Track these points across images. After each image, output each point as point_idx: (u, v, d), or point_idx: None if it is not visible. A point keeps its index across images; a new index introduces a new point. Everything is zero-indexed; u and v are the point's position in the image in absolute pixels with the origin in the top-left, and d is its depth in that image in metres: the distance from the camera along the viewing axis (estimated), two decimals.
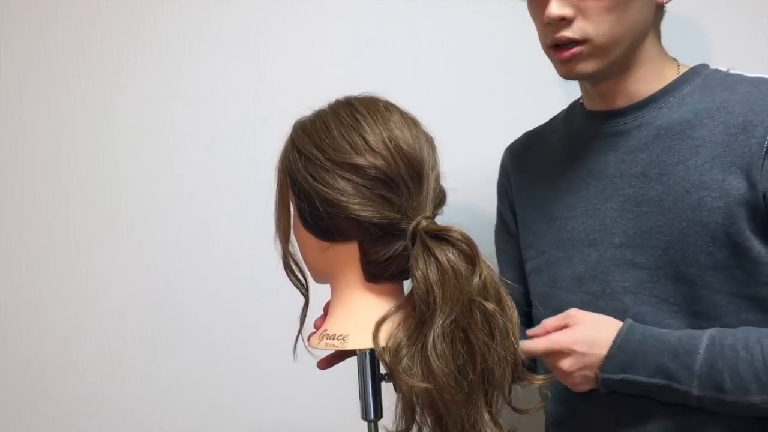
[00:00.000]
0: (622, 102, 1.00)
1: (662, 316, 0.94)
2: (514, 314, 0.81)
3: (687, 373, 0.88)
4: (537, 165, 1.12)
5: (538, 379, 0.86)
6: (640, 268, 0.96)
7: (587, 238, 1.01)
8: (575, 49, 0.93)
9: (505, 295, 0.81)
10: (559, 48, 0.94)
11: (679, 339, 0.90)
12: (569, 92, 1.11)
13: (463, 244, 0.79)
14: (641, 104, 0.99)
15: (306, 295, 0.92)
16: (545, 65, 0.98)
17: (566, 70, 0.95)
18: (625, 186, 0.98)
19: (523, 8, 1.00)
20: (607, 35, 0.92)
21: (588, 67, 0.94)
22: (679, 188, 0.93)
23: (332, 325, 0.86)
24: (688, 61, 1.02)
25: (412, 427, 0.78)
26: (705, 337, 0.88)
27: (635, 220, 0.96)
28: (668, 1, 0.97)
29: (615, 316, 0.95)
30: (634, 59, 0.97)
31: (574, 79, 0.98)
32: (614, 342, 0.92)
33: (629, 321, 0.93)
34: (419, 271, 0.78)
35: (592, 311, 0.96)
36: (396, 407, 0.79)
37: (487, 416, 0.80)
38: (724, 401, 0.86)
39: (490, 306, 0.79)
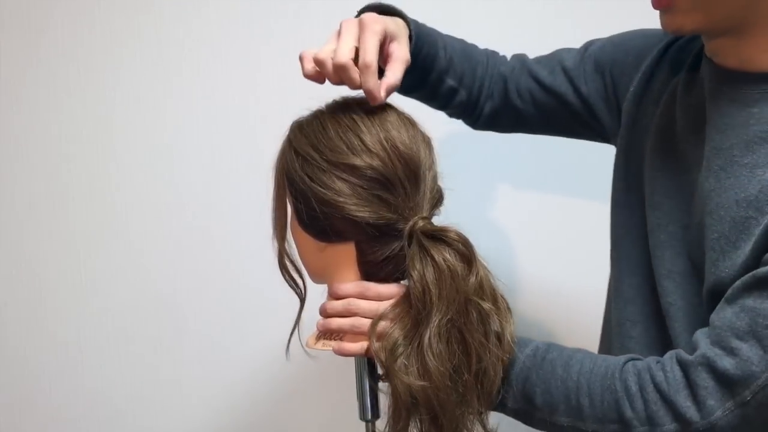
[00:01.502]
0: (732, 64, 0.80)
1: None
2: (510, 315, 0.81)
3: (504, 381, 0.81)
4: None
5: None
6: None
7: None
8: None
9: (501, 295, 0.81)
10: None
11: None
12: None
13: (460, 245, 0.79)
14: (750, 78, 0.78)
15: (302, 296, 0.92)
16: None
17: (664, 22, 0.80)
18: (692, 162, 0.84)
19: (524, 6, 0.98)
20: None
21: (687, 22, 0.78)
22: (731, 194, 0.77)
23: None
24: None
25: (406, 428, 0.78)
26: (531, 346, 0.82)
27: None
28: None
29: None
30: (754, 20, 0.76)
31: (673, 33, 0.84)
32: None
33: None
34: (416, 271, 0.78)
35: None
36: (389, 409, 0.79)
37: (479, 416, 0.80)
38: (534, 416, 0.81)
39: (487, 305, 0.79)
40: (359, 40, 0.81)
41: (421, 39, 0.92)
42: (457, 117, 1.07)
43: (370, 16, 0.82)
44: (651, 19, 0.82)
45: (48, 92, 1.41)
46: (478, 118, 1.05)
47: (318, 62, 0.81)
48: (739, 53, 0.79)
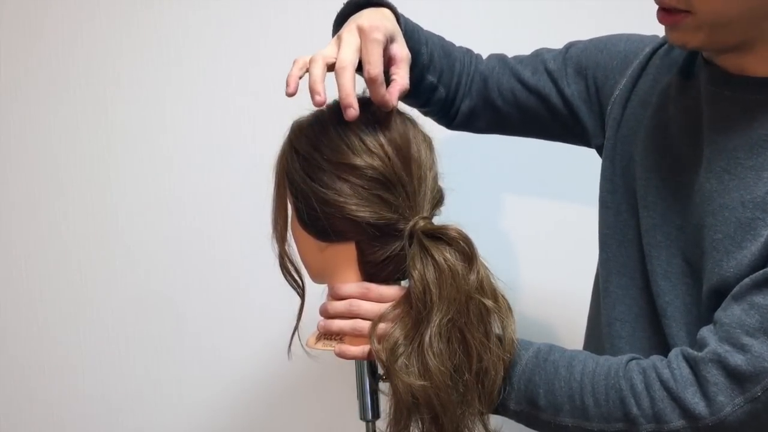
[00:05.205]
0: (734, 71, 0.81)
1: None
2: (511, 314, 0.81)
3: (506, 384, 0.81)
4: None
5: None
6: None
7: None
8: (677, 17, 0.77)
9: (501, 294, 0.81)
10: (663, 10, 0.79)
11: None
12: None
13: (461, 242, 0.79)
14: (752, 82, 0.80)
15: (302, 296, 0.92)
16: None
17: (670, 37, 0.80)
18: (689, 163, 0.84)
19: (524, 6, 0.98)
20: (715, 13, 0.75)
21: (693, 40, 0.78)
22: (736, 195, 0.78)
23: None
24: None
25: (407, 427, 0.78)
26: (533, 348, 0.82)
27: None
28: None
29: None
30: (759, 37, 0.78)
31: (679, 48, 0.85)
32: None
33: None
34: (416, 271, 0.78)
35: None
36: (389, 409, 0.79)
37: (479, 417, 0.80)
38: (538, 418, 0.80)
39: (489, 302, 0.79)
40: (362, 50, 0.79)
41: (407, 34, 0.90)
42: (433, 116, 1.04)
43: (370, 23, 0.79)
44: (649, 20, 0.83)
45: (47, 92, 1.41)
46: (454, 117, 1.03)
47: (311, 60, 0.78)
48: (741, 63, 0.80)
